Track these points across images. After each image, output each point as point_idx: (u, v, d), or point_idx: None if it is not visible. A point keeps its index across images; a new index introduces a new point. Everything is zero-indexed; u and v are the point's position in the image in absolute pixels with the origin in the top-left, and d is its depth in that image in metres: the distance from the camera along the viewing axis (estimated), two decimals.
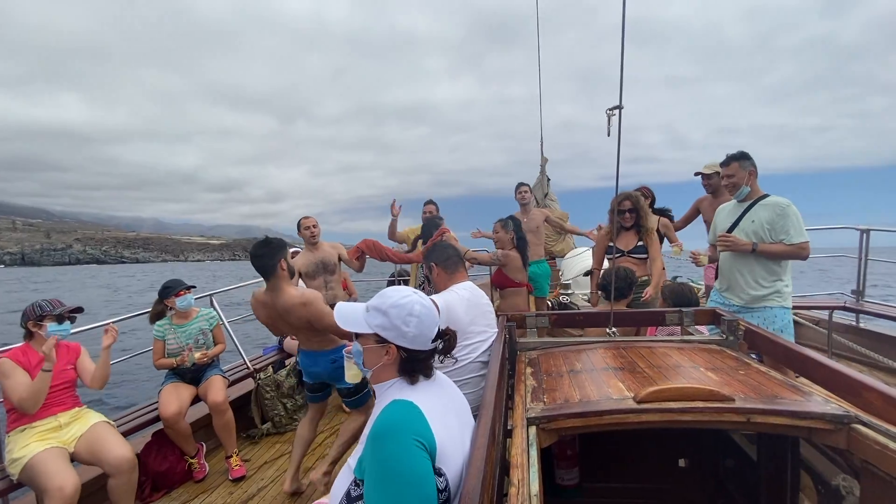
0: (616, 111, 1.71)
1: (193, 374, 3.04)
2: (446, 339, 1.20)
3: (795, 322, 4.49)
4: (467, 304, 1.91)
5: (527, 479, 0.94)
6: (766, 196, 2.64)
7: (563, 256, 7.64)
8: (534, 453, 1.07)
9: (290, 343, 3.96)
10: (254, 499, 2.64)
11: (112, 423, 2.53)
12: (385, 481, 0.94)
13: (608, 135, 1.73)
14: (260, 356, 4.05)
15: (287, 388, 3.53)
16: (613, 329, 2.20)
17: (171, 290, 3.01)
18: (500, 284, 3.40)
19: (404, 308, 1.13)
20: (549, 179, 8.88)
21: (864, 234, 4.17)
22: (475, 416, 1.21)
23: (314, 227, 3.70)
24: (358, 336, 1.20)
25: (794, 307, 4.43)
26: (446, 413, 1.11)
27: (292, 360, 3.94)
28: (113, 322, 2.76)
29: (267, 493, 2.69)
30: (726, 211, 2.83)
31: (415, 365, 1.16)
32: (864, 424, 1.09)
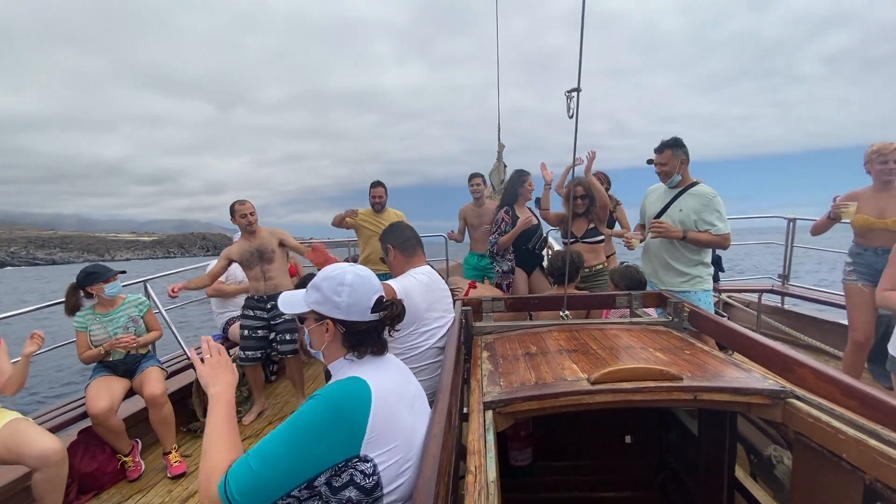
0: (574, 93, 1.70)
1: (127, 367, 2.80)
2: (390, 308, 1.14)
3: (728, 304, 4.84)
4: (425, 290, 1.86)
5: (484, 465, 0.91)
6: (695, 184, 2.73)
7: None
8: (490, 438, 1.04)
9: (235, 331, 3.76)
10: (195, 496, 2.49)
11: (30, 420, 2.29)
12: (285, 426, 0.96)
13: (569, 116, 1.72)
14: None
15: None
16: (566, 312, 2.23)
17: (97, 275, 2.71)
18: None
19: (335, 279, 1.10)
20: (505, 166, 8.95)
21: (791, 223, 4.51)
22: (432, 403, 1.18)
23: (251, 214, 3.31)
24: (303, 320, 1.15)
25: (728, 290, 4.76)
26: (398, 399, 1.06)
27: (236, 349, 3.75)
28: (20, 313, 2.48)
29: None
30: (655, 195, 2.89)
31: (358, 338, 1.11)
32: (798, 399, 1.15)
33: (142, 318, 2.89)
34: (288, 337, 3.35)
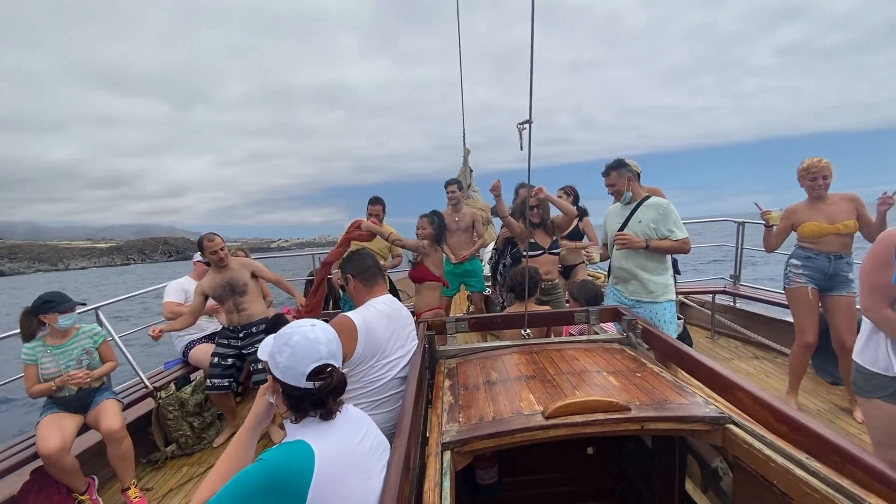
0: (526, 125, 1.74)
1: (80, 402, 2.67)
2: (327, 379, 1.10)
3: (685, 304, 5.06)
4: (386, 320, 1.86)
5: None
6: (648, 197, 2.88)
7: (485, 246, 7.84)
8: (447, 485, 1.07)
9: (197, 354, 3.65)
10: None
11: None
12: (228, 491, 0.95)
13: (521, 148, 1.76)
14: (160, 371, 3.68)
15: (193, 406, 3.25)
16: (528, 331, 2.29)
17: (53, 304, 2.56)
18: (419, 278, 3.39)
19: (283, 336, 1.10)
20: (471, 171, 9.03)
21: (740, 227, 4.75)
22: (392, 436, 1.19)
23: (221, 249, 3.22)
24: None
25: (685, 292, 4.98)
26: (347, 462, 1.07)
27: (198, 373, 3.64)
28: None
29: None
30: (614, 213, 3.04)
31: (293, 402, 1.10)
32: (736, 424, 1.23)
33: (96, 349, 2.77)
34: (260, 366, 3.28)
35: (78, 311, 2.69)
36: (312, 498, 0.96)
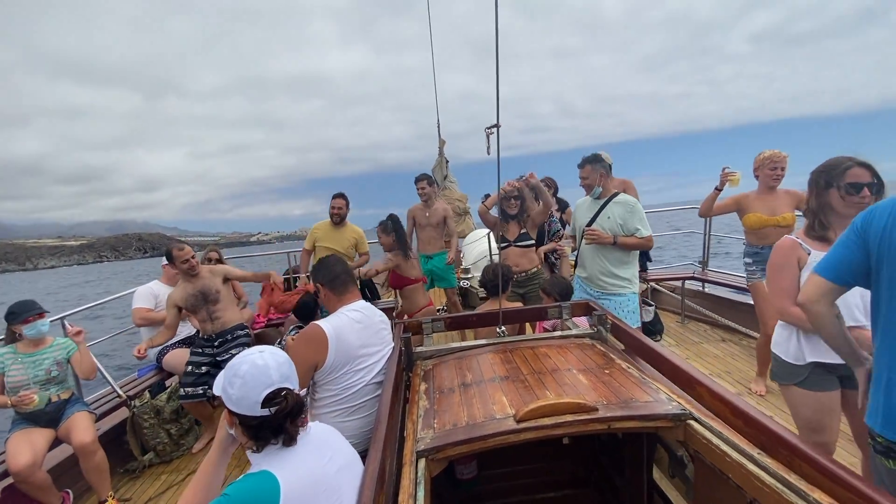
0: (494, 129, 1.75)
1: (50, 416, 2.60)
2: (282, 403, 1.09)
3: (656, 290, 5.21)
4: (359, 327, 1.87)
5: None
6: (616, 194, 2.97)
7: (463, 237, 7.86)
8: (421, 494, 1.10)
9: (171, 360, 3.58)
10: None
11: None
12: None
13: (488, 153, 1.77)
14: (133, 379, 3.61)
15: (169, 413, 3.21)
16: (503, 328, 2.33)
17: (15, 315, 2.53)
18: (398, 285, 3.40)
19: (232, 368, 1.09)
20: (447, 161, 9.01)
21: (706, 218, 4.90)
22: (365, 451, 1.21)
23: (193, 258, 3.16)
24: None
25: (656, 279, 5.12)
26: (315, 487, 1.08)
27: (173, 379, 3.58)
28: None
29: None
30: (584, 207, 3.11)
31: (252, 432, 1.09)
32: (696, 420, 1.29)
33: (67, 361, 2.70)
34: None
35: (46, 319, 2.63)
36: None
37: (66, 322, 3.14)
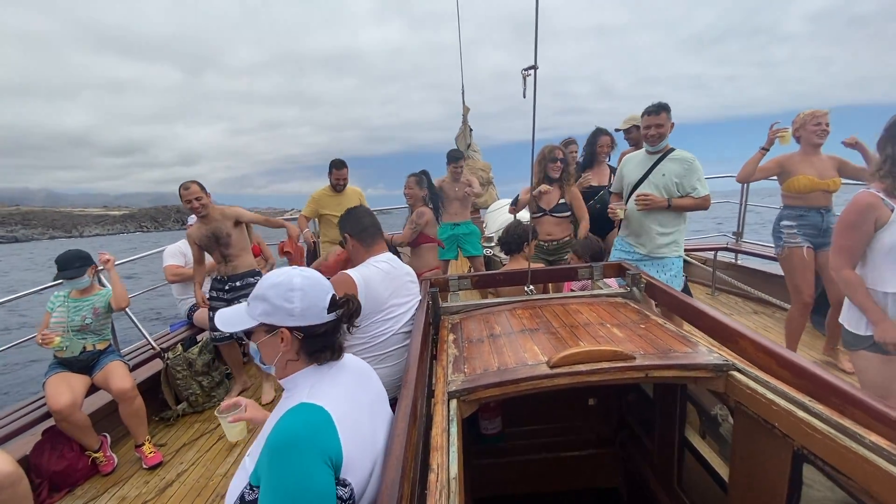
0: (531, 71, 1.66)
1: (82, 364, 2.71)
2: (346, 306, 1.13)
3: (687, 262, 5.06)
4: (387, 278, 1.85)
5: (446, 462, 0.95)
6: (673, 149, 2.77)
7: (486, 208, 7.77)
8: (454, 430, 1.08)
9: (201, 316, 3.68)
10: (173, 485, 2.51)
11: None
12: (281, 498, 0.87)
13: (524, 96, 1.68)
14: (167, 333, 3.74)
15: (201, 366, 3.31)
16: (531, 287, 2.28)
17: (58, 269, 2.70)
18: (414, 242, 3.36)
19: (282, 285, 1.06)
20: (471, 130, 8.84)
21: (745, 184, 4.68)
22: (398, 387, 1.20)
23: (197, 199, 3.06)
24: (250, 335, 1.11)
25: (687, 249, 4.97)
26: (357, 413, 1.07)
27: (205, 334, 3.68)
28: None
29: (188, 477, 2.56)
30: (634, 162, 2.89)
31: (318, 343, 1.09)
32: (739, 371, 1.23)
33: (107, 310, 2.81)
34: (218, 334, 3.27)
35: (83, 277, 2.73)
36: (346, 453, 0.95)
37: (100, 275, 3.23)
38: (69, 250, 2.73)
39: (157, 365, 3.31)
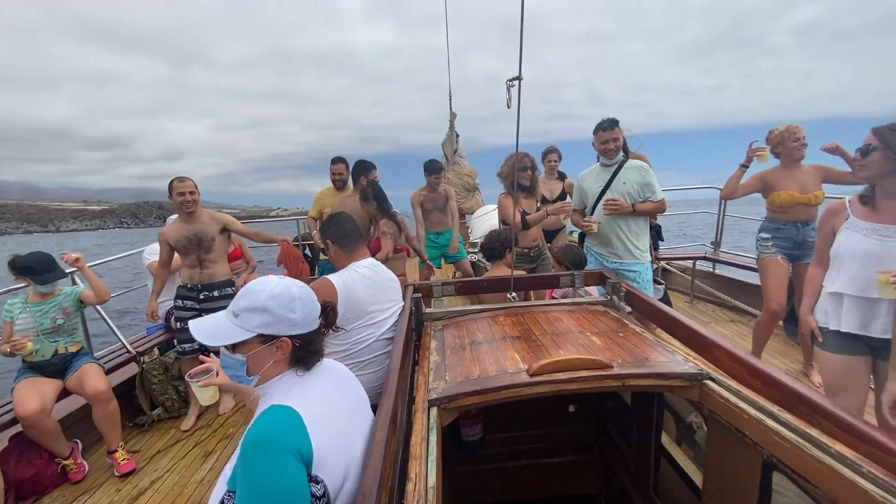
0: (516, 82, 1.69)
1: (55, 367, 2.62)
2: (328, 313, 1.19)
3: (666, 270, 5.16)
4: (368, 283, 1.84)
5: (424, 472, 0.95)
6: (627, 159, 2.90)
7: (471, 213, 7.80)
8: (433, 439, 1.08)
9: None
10: (146, 493, 2.44)
11: None
12: (256, 497, 0.88)
13: (508, 107, 1.70)
14: (143, 337, 3.64)
15: (177, 371, 3.24)
16: (513, 294, 2.30)
17: (33, 273, 2.55)
18: (373, 249, 3.34)
19: (283, 296, 1.07)
20: (457, 135, 8.88)
21: (729, 199, 4.80)
22: (380, 394, 1.20)
23: (191, 193, 2.95)
24: (235, 346, 1.08)
25: (667, 258, 5.07)
26: (331, 413, 1.06)
27: None
28: None
29: (162, 485, 2.50)
30: (592, 176, 3.00)
31: (308, 349, 1.12)
32: (713, 380, 1.27)
33: (77, 308, 2.72)
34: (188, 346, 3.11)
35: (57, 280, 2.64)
36: (316, 447, 0.96)
37: (75, 276, 3.14)
38: (32, 253, 2.59)
39: (132, 369, 3.23)
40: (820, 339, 1.95)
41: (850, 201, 1.91)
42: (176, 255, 3.13)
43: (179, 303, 3.12)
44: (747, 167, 3.06)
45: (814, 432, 0.97)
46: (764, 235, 3.06)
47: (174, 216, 3.16)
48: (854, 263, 1.81)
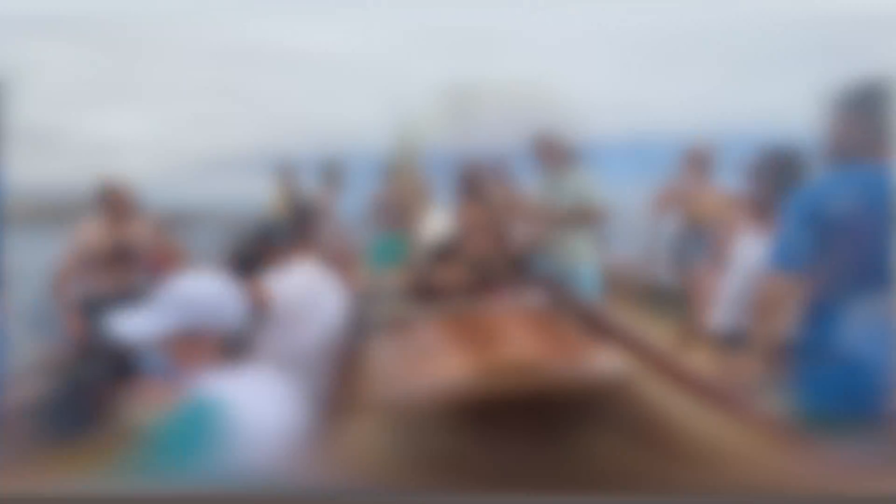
0: None
1: None
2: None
3: (605, 273, 5.38)
4: (305, 290, 1.81)
5: None
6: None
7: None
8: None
9: None
10: None
11: None
12: None
13: None
14: None
15: None
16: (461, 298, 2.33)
17: None
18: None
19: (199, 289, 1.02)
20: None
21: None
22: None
23: (118, 197, 2.68)
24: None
25: (607, 262, 5.28)
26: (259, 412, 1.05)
27: None
28: None
29: None
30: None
31: (233, 344, 1.08)
32: (636, 381, 1.36)
33: None
34: None
35: None
36: None
37: None
38: None
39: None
40: None
41: None
42: None
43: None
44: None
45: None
46: (684, 247, 3.25)
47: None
48: None
